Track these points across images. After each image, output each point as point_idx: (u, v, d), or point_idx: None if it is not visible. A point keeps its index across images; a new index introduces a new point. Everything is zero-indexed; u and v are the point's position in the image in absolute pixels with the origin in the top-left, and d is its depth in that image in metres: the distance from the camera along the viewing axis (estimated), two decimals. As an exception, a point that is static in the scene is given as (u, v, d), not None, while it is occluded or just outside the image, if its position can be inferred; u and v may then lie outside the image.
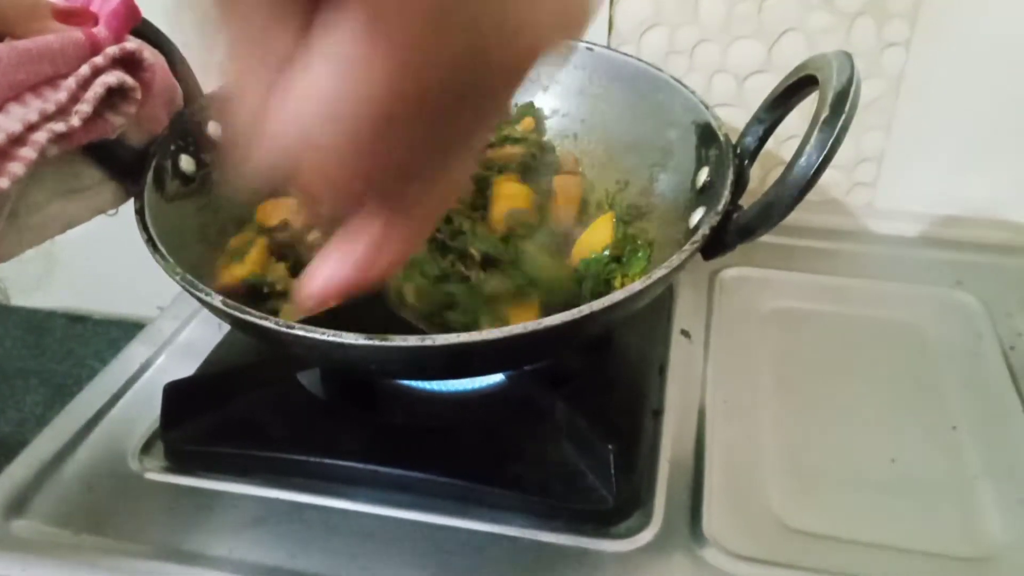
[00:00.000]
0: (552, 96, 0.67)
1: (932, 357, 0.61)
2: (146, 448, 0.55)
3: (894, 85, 0.70)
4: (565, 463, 0.50)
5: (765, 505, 0.50)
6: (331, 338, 0.41)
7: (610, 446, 0.48)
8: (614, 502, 0.48)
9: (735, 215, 0.50)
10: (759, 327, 0.65)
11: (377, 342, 0.41)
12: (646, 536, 0.48)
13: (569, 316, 0.41)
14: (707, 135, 0.55)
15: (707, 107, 0.56)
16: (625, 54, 0.64)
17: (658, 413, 0.56)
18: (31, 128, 0.42)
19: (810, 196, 0.74)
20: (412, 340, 0.41)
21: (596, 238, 0.59)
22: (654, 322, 0.63)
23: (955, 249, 0.72)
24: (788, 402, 0.57)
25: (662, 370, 0.59)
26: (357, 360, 0.45)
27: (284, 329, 0.42)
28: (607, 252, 0.58)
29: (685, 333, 0.63)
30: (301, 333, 0.41)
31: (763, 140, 0.54)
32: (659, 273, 0.44)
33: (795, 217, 0.73)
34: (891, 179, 0.74)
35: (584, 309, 0.41)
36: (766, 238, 0.71)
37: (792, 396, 0.58)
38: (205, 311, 0.67)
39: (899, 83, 0.70)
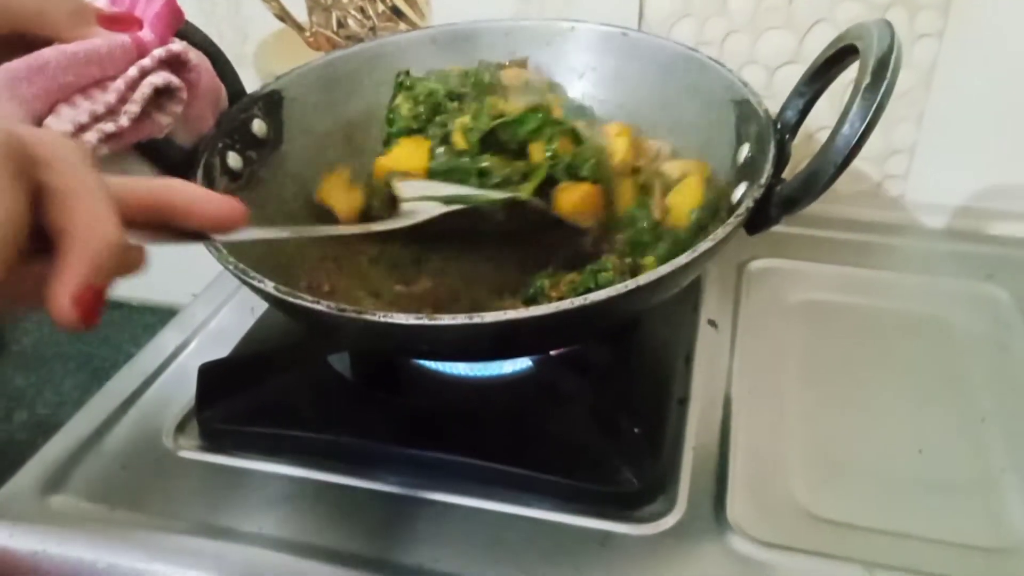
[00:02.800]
0: (588, 83, 0.67)
1: (962, 350, 0.60)
2: (180, 427, 0.56)
3: (926, 76, 0.69)
4: (590, 447, 0.50)
5: (790, 493, 0.50)
6: (381, 319, 0.42)
7: (635, 429, 0.48)
8: (638, 485, 0.49)
9: (778, 188, 0.49)
10: (787, 318, 0.64)
11: (427, 321, 0.42)
12: (670, 520, 0.48)
13: (615, 291, 0.42)
14: (746, 112, 0.55)
15: (745, 84, 0.56)
16: (659, 37, 0.64)
17: (683, 401, 0.56)
18: (82, 128, 0.44)
19: (841, 188, 0.75)
20: (457, 318, 0.42)
21: (684, 199, 0.57)
22: (680, 312, 0.63)
23: (986, 243, 0.71)
24: (815, 393, 0.57)
25: (688, 359, 0.60)
26: (404, 340, 0.46)
27: (336, 312, 0.43)
28: (694, 215, 0.55)
29: (712, 323, 0.64)
30: (353, 315, 0.42)
31: (804, 113, 0.54)
32: (705, 246, 0.44)
33: (825, 209, 0.73)
34: (922, 171, 0.73)
35: (630, 284, 0.42)
36: (795, 229, 0.73)
37: (819, 387, 0.58)
38: (236, 298, 0.69)
39: (931, 74, 0.69)
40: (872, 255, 0.71)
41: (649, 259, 0.55)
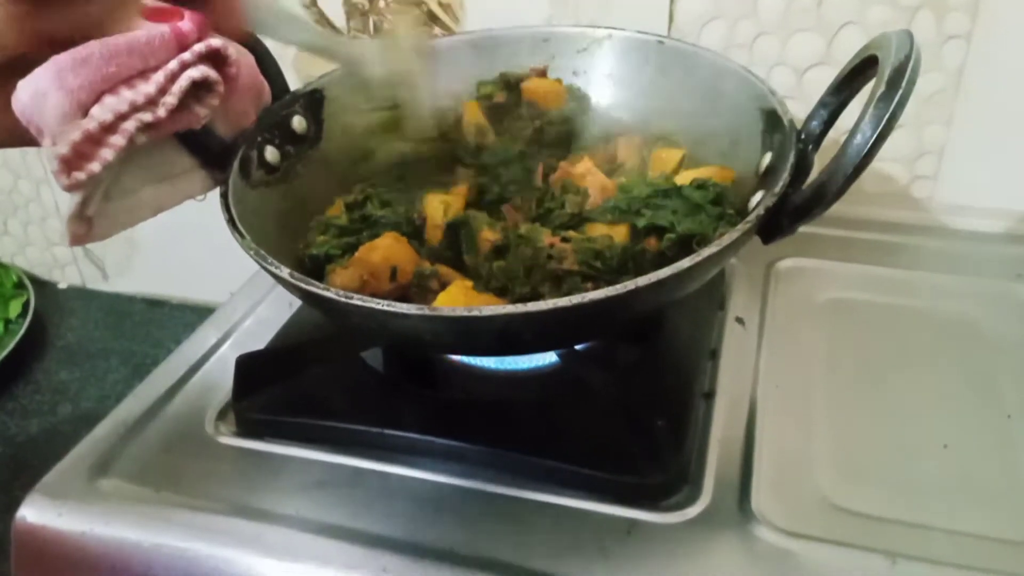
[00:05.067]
0: (624, 89, 0.68)
1: (989, 349, 0.61)
2: (221, 415, 0.59)
3: (955, 78, 0.70)
4: (615, 438, 0.51)
5: (814, 485, 0.51)
6: (385, 307, 0.44)
7: (659, 422, 0.49)
8: (662, 476, 0.50)
9: (792, 197, 0.49)
10: (815, 316, 0.65)
11: (427, 311, 0.43)
12: (695, 510, 0.49)
13: (613, 291, 0.42)
14: (772, 121, 0.56)
15: (773, 93, 0.57)
16: (694, 46, 0.65)
17: (709, 396, 0.57)
18: (121, 117, 0.46)
19: (870, 189, 0.75)
20: (459, 311, 0.43)
21: None
22: (706, 309, 0.64)
23: (1016, 243, 0.71)
24: (841, 389, 0.58)
25: (714, 355, 0.61)
26: (409, 330, 0.47)
27: (343, 299, 0.44)
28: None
29: (739, 320, 0.64)
30: (359, 303, 0.44)
31: (828, 124, 0.54)
32: (709, 251, 0.45)
33: (855, 209, 0.74)
34: (952, 172, 0.74)
35: (629, 285, 0.43)
36: (824, 230, 0.73)
37: (846, 383, 0.58)
38: (272, 296, 0.71)
39: (960, 76, 0.69)
40: (900, 255, 0.71)
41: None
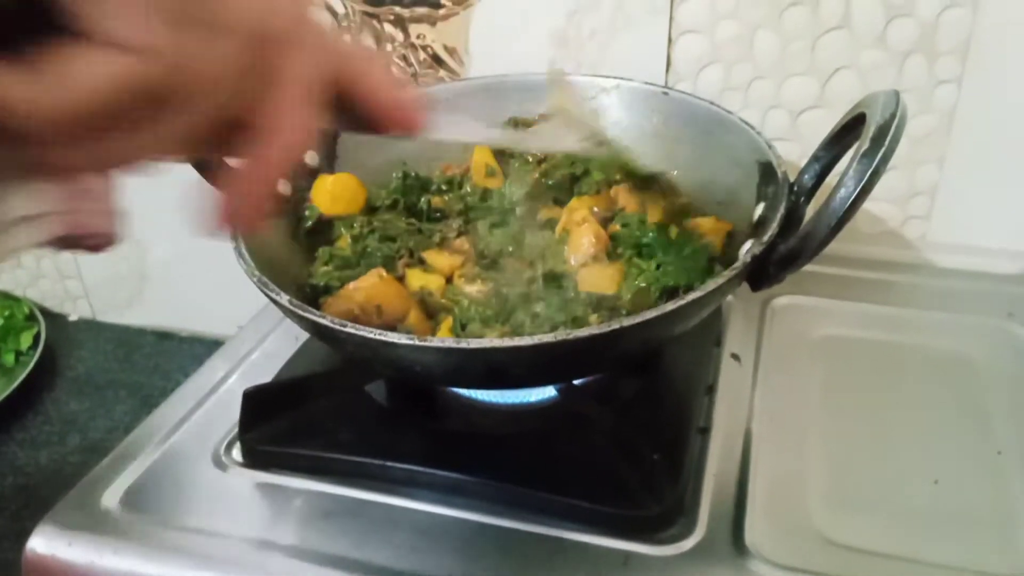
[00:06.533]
0: (630, 137, 0.70)
1: (981, 386, 0.62)
2: (227, 448, 0.60)
3: (946, 120, 0.71)
4: (612, 471, 0.52)
5: (807, 519, 0.52)
6: (377, 336, 0.45)
7: (655, 455, 0.51)
8: (658, 509, 0.51)
9: (780, 247, 0.51)
10: (809, 353, 0.66)
11: (416, 341, 0.45)
12: (690, 543, 0.50)
13: (597, 330, 0.44)
14: (768, 173, 0.58)
15: (770, 146, 0.59)
16: (697, 97, 0.67)
17: (705, 430, 0.58)
18: None
19: (865, 228, 0.77)
20: (448, 342, 0.45)
21: None
22: (703, 345, 0.65)
23: (1008, 281, 0.73)
24: (835, 425, 0.59)
25: (710, 390, 0.62)
26: (400, 360, 0.49)
27: (338, 327, 0.46)
28: None
29: (735, 357, 0.66)
30: (352, 331, 0.46)
31: (821, 178, 0.57)
32: (693, 296, 0.46)
33: (849, 248, 0.76)
34: (945, 212, 0.75)
35: (613, 324, 0.44)
36: (819, 268, 0.74)
37: (839, 419, 0.60)
38: (279, 330, 0.73)
39: (951, 118, 0.71)
40: (894, 293, 0.73)
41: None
